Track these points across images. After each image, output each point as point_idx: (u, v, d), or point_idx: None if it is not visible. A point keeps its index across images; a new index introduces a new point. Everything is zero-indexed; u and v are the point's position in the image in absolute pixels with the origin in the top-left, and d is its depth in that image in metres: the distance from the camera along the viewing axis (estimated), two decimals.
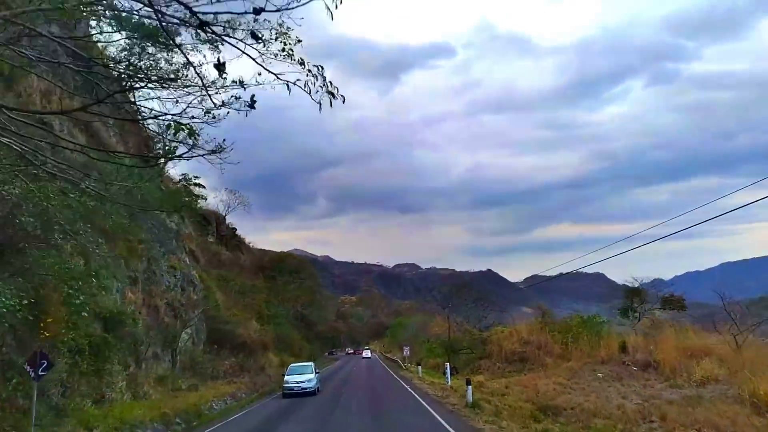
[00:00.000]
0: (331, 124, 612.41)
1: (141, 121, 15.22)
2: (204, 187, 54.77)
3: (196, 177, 52.76)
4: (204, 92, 8.44)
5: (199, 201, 49.81)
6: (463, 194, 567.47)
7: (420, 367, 38.28)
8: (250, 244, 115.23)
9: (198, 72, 8.74)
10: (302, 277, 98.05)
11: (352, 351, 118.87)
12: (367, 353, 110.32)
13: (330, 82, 6.53)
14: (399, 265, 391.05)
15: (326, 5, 5.56)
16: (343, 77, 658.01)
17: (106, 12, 9.80)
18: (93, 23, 12.16)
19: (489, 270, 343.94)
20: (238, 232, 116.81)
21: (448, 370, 28.60)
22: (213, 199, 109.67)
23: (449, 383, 26.68)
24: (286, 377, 27.71)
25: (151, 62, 10.24)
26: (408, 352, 49.91)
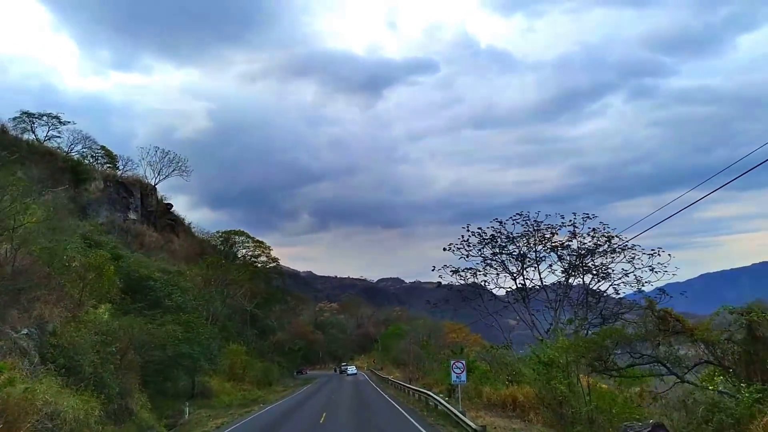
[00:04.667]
0: (314, 140, 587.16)
1: None
2: None
3: None
4: None
5: None
6: (446, 209, 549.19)
7: None
8: (191, 227, 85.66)
9: None
10: (258, 265, 68.79)
11: (301, 370, 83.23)
12: (352, 369, 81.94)
13: None
14: (383, 279, 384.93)
15: None
16: (325, 92, 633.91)
17: None
18: None
19: (474, 283, 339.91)
20: (175, 209, 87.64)
21: None
22: (139, 162, 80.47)
23: None
24: None
25: None
26: (463, 377, 19.90)
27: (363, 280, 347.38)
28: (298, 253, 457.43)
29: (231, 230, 66.28)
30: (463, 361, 19.95)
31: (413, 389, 32.50)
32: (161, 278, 35.29)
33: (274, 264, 66.34)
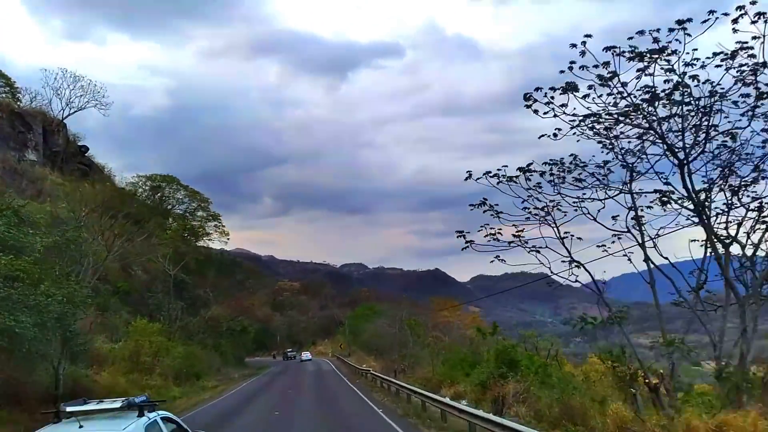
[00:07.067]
0: (276, 122, 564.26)
1: None
2: None
3: None
4: None
5: None
6: (411, 196, 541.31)
7: None
8: (111, 174, 68.45)
9: None
10: (196, 222, 52.88)
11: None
12: (306, 355, 74.02)
13: None
14: (346, 265, 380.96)
15: None
16: (289, 72, 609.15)
17: None
18: None
19: (437, 269, 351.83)
20: (91, 153, 69.96)
21: None
22: (42, 90, 62.55)
23: None
24: None
25: None
26: None
27: (326, 264, 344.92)
28: (259, 237, 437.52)
29: (157, 174, 49.78)
30: None
31: (431, 400, 17.85)
32: None
33: (215, 223, 50.61)
